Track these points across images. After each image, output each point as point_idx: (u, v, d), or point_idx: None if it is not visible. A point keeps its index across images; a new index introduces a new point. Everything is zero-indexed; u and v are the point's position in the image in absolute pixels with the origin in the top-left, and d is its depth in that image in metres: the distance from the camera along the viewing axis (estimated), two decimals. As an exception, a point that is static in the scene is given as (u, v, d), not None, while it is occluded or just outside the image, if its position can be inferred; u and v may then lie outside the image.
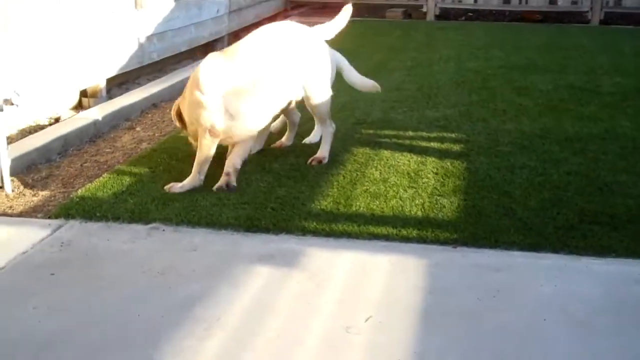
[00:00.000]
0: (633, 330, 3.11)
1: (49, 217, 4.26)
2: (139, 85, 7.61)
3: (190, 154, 5.17)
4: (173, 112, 4.89)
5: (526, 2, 13.08)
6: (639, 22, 12.41)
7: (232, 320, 3.15)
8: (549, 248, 3.82)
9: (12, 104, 4.73)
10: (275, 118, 5.15)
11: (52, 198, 4.61)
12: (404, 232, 3.99)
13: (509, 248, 3.83)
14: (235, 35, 10.87)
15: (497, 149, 5.35)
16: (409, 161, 5.08)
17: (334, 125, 5.15)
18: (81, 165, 5.24)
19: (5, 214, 4.36)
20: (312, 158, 5.03)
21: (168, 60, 8.56)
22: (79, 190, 4.60)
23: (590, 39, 10.84)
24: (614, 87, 7.44)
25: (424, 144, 5.50)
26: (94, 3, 6.69)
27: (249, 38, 4.94)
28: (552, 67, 8.50)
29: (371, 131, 5.70)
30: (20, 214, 4.36)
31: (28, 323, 3.13)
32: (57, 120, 6.25)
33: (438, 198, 4.44)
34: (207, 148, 4.61)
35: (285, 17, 12.95)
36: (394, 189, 4.58)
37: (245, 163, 4.79)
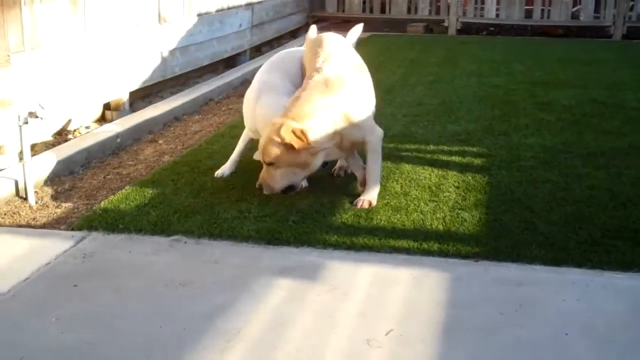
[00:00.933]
0: (657, 346, 3.08)
1: (72, 229, 4.29)
2: (162, 98, 7.66)
3: (212, 167, 5.20)
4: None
5: (548, 17, 13.05)
6: (662, 36, 12.36)
7: (253, 333, 3.15)
8: (571, 263, 3.79)
9: (37, 117, 4.77)
10: None
11: (75, 210, 4.64)
12: (425, 245, 3.99)
13: (531, 262, 3.81)
14: (257, 49, 10.94)
15: (519, 164, 5.34)
16: (430, 175, 5.08)
17: None
18: (104, 177, 5.28)
19: (29, 226, 4.40)
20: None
21: (190, 74, 8.62)
22: (102, 203, 4.63)
23: (612, 53, 10.80)
24: (637, 102, 7.40)
25: (445, 157, 5.49)
26: (118, 17, 6.76)
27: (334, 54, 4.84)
28: (574, 81, 8.47)
29: (392, 145, 5.70)
30: (43, 226, 4.40)
31: (50, 334, 3.14)
32: (80, 133, 6.30)
33: (459, 212, 4.43)
34: None
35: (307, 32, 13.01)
36: (415, 202, 4.58)
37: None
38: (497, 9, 13.20)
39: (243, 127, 6.29)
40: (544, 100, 7.48)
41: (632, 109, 7.11)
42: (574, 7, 13.09)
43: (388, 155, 5.34)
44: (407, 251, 3.95)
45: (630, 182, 4.94)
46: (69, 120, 6.34)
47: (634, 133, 6.18)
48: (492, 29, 13.47)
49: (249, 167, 5.20)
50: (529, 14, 13.14)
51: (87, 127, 6.56)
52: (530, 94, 7.75)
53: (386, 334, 3.13)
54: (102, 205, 4.57)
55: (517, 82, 8.45)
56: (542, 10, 13.07)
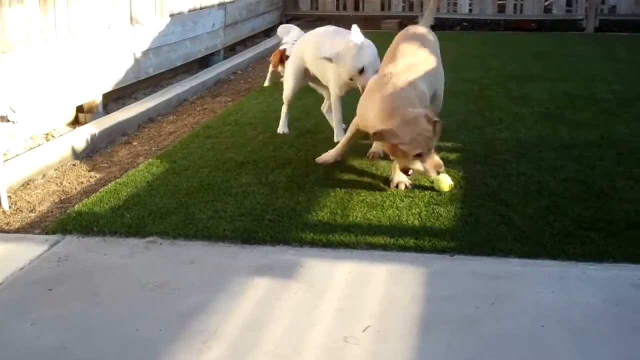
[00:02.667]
0: (632, 335, 3.10)
1: (46, 233, 4.25)
2: (136, 99, 7.62)
3: (187, 167, 5.18)
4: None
5: (521, 11, 13.10)
6: (634, 29, 12.43)
7: (230, 333, 3.14)
8: (546, 255, 3.81)
9: (8, 121, 4.73)
10: None
11: (49, 214, 4.60)
12: (401, 241, 3.99)
13: (506, 256, 3.82)
14: (231, 49, 10.91)
15: (493, 157, 5.36)
16: (405, 171, 5.08)
17: None
18: (78, 180, 5.24)
19: (2, 231, 4.36)
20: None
21: (164, 74, 8.58)
22: (76, 206, 4.60)
23: (585, 46, 10.88)
24: (610, 94, 7.45)
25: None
26: (89, 19, 6.71)
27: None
28: (548, 75, 8.51)
29: (367, 141, 5.69)
30: (17, 230, 4.36)
31: (26, 339, 3.11)
32: (53, 136, 6.25)
33: (435, 207, 4.44)
34: None
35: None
36: (391, 198, 4.58)
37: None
38: (470, 4, 13.24)
39: (217, 128, 6.30)
40: (518, 94, 7.52)
41: (604, 101, 7.16)
42: (546, 1, 13.16)
43: (364, 151, 5.34)
44: (384, 247, 3.95)
45: (603, 174, 4.97)
46: (42, 124, 6.28)
47: (607, 125, 6.23)
48: (465, 24, 13.51)
49: (222, 167, 5.19)
50: (502, 9, 13.19)
51: (60, 130, 6.50)
52: (504, 88, 7.79)
53: (363, 330, 3.13)
54: (76, 209, 4.53)
55: (491, 76, 8.48)
56: (515, 4, 13.11)
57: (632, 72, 8.74)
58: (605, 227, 4.12)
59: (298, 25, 12.80)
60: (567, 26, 12.79)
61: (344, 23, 13.87)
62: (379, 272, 3.66)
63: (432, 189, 4.73)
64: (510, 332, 3.12)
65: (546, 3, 13.15)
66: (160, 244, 4.05)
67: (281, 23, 13.31)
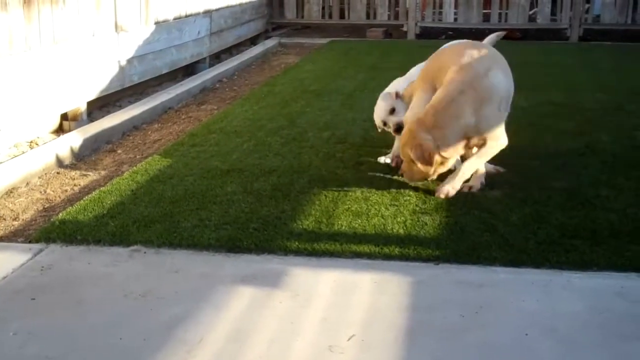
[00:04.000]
0: (617, 344, 3.11)
1: (30, 242, 4.22)
2: (120, 107, 7.60)
3: (172, 175, 5.17)
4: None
5: (506, 20, 13.18)
6: (618, 38, 12.53)
7: (215, 342, 3.13)
8: (530, 263, 3.83)
9: (-8, 129, 4.71)
10: None
11: (33, 222, 4.58)
12: (386, 250, 3.99)
13: (491, 264, 3.83)
14: (217, 57, 10.91)
15: (478, 166, 5.36)
16: (390, 179, 5.09)
17: None
18: (61, 188, 5.22)
19: (-15, 239, 4.33)
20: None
21: (149, 82, 8.56)
22: (60, 214, 4.57)
23: (569, 55, 10.94)
24: (594, 103, 7.50)
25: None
26: (74, 27, 6.69)
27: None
28: (532, 83, 8.53)
29: (352, 150, 5.70)
30: (0, 239, 4.33)
31: (8, 349, 3.09)
32: (37, 144, 6.22)
33: (420, 215, 4.45)
34: None
35: (266, 39, 13.01)
36: (376, 207, 4.58)
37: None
38: (455, 13, 13.32)
39: (202, 136, 6.29)
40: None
41: (588, 110, 7.20)
42: (531, 10, 13.24)
43: (349, 160, 5.34)
44: (369, 256, 3.95)
45: (587, 182, 5.00)
46: (26, 132, 6.26)
47: (591, 134, 6.26)
48: (450, 33, 13.56)
49: (207, 175, 5.18)
50: (486, 18, 13.26)
51: (44, 138, 6.47)
52: (488, 97, 7.79)
53: (348, 340, 3.12)
54: (60, 217, 4.51)
55: (475, 85, 8.49)
56: (500, 13, 13.20)
57: (616, 81, 8.80)
58: (590, 235, 4.14)
59: (284, 34, 12.85)
60: (552, 35, 12.88)
61: (330, 31, 13.97)
62: (364, 281, 3.66)
63: (417, 197, 4.73)
64: (495, 341, 3.13)
65: (531, 12, 13.23)
66: (145, 252, 4.03)
67: (267, 31, 13.38)
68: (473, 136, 4.62)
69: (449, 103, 4.53)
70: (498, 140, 4.74)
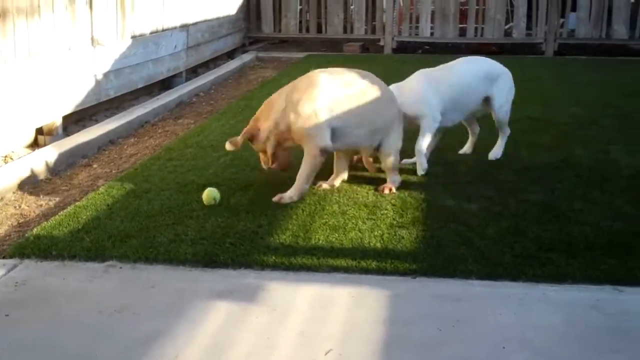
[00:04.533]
0: (593, 356, 3.13)
1: (4, 257, 4.17)
2: (96, 121, 7.55)
3: (148, 190, 5.14)
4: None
5: (482, 35, 13.27)
6: (592, 52, 12.66)
7: (191, 358, 3.10)
8: (507, 277, 3.84)
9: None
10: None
11: (7, 237, 4.53)
12: (363, 263, 3.99)
13: (467, 277, 3.84)
14: (193, 71, 10.89)
15: (454, 180, 5.40)
16: (367, 193, 5.10)
17: None
18: (37, 203, 5.17)
19: (-42, 255, 4.28)
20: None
21: (125, 96, 8.52)
22: (35, 229, 4.53)
23: (545, 69, 11.03)
24: (569, 117, 7.56)
25: (382, 175, 5.51)
26: (49, 40, 6.66)
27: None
28: (507, 98, 8.58)
29: (329, 164, 5.68)
30: (-27, 255, 4.28)
31: (-19, 366, 3.06)
32: (12, 158, 6.17)
33: (397, 229, 4.45)
34: None
35: (243, 53, 13.01)
36: (353, 221, 4.58)
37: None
38: (432, 28, 13.38)
39: (179, 150, 6.28)
40: (478, 116, 7.55)
41: (563, 124, 7.26)
42: (506, 24, 13.35)
43: (326, 175, 5.34)
44: (346, 270, 3.95)
45: (563, 196, 5.03)
46: (0, 146, 6.20)
47: (566, 148, 6.31)
48: (427, 47, 13.65)
49: (184, 190, 5.16)
50: (463, 32, 13.35)
51: (19, 153, 6.42)
52: (465, 111, 7.83)
53: (326, 354, 3.11)
54: (34, 232, 4.47)
55: (452, 99, 8.53)
56: (476, 28, 13.29)
57: (591, 95, 8.88)
58: (565, 248, 4.16)
59: (261, 48, 12.84)
60: (527, 50, 12.98)
61: (307, 45, 13.99)
62: (341, 295, 3.65)
63: (394, 210, 4.74)
64: (472, 354, 3.13)
65: (506, 27, 13.34)
66: (120, 268, 4.00)
67: (244, 45, 13.38)
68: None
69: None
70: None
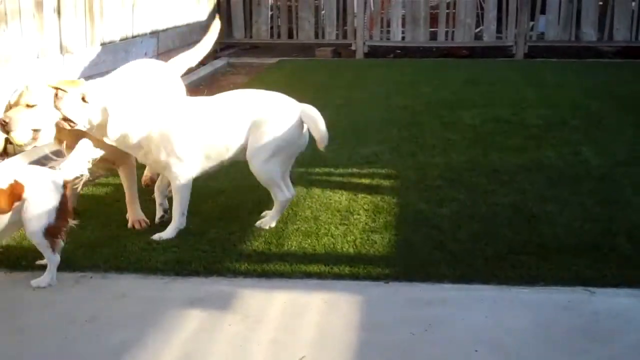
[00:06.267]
0: (564, 357, 3.15)
1: (-28, 269, 4.13)
2: (67, 130, 7.48)
3: (119, 199, 5.10)
4: None
5: (452, 38, 13.33)
6: (562, 54, 12.76)
7: (162, 367, 3.09)
8: (479, 279, 3.86)
9: None
10: None
11: (-24, 249, 4.48)
12: (336, 269, 3.99)
13: (440, 281, 3.85)
14: (165, 78, 10.82)
15: (426, 183, 5.41)
16: (340, 198, 5.10)
17: None
18: (6, 213, 5.11)
19: None
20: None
21: (96, 104, 8.44)
22: (4, 240, 4.47)
23: (515, 72, 11.10)
24: (539, 119, 7.61)
25: (355, 180, 5.53)
26: (17, 48, 6.59)
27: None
28: (478, 101, 8.65)
29: (302, 169, 5.68)
30: (-59, 267, 4.22)
31: (-51, 380, 3.02)
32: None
33: (370, 234, 4.45)
34: None
35: (215, 59, 12.96)
36: (326, 226, 4.58)
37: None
38: (403, 32, 13.42)
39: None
40: (449, 120, 7.62)
41: (534, 126, 7.30)
42: (477, 28, 13.43)
43: (298, 180, 5.33)
44: (319, 276, 3.94)
45: (533, 198, 5.06)
46: (-31, 156, 6.14)
47: (536, 150, 6.35)
48: (398, 51, 13.68)
49: (153, 198, 5.11)
50: (433, 36, 13.39)
51: (-12, 162, 6.36)
52: (436, 115, 7.88)
53: (299, 361, 3.11)
54: (4, 243, 4.39)
55: (423, 103, 8.58)
56: (447, 32, 13.34)
57: (560, 97, 8.95)
58: (536, 250, 4.19)
59: (233, 53, 12.76)
60: (498, 53, 13.05)
61: (279, 50, 13.97)
62: (314, 301, 3.65)
63: (367, 215, 4.74)
64: (445, 358, 3.15)
65: (477, 30, 13.41)
66: (91, 277, 3.96)
67: (215, 52, 13.32)
68: None
69: None
70: None
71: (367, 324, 3.43)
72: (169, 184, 4.66)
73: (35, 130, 4.32)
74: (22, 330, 3.40)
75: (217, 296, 3.72)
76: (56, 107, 4.19)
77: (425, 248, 4.24)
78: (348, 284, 3.85)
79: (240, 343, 3.27)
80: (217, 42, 13.50)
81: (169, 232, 4.47)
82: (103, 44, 8.43)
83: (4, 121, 4.28)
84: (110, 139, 4.29)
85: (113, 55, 8.69)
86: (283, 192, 4.59)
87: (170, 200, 4.65)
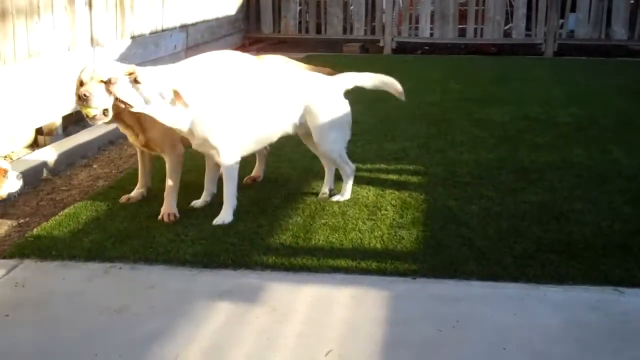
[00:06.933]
0: (592, 357, 3.13)
1: (4, 257, 4.17)
2: (96, 122, 7.54)
3: (149, 189, 5.13)
4: None
5: (481, 35, 13.26)
6: (591, 53, 12.65)
7: (191, 358, 3.11)
8: (507, 277, 3.84)
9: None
10: None
11: (7, 237, 4.53)
12: (363, 264, 3.98)
13: (468, 278, 3.84)
14: (193, 71, 10.86)
15: (454, 180, 5.40)
16: (367, 194, 5.09)
17: None
18: (37, 203, 5.17)
19: (-42, 255, 4.28)
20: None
21: (125, 97, 8.50)
22: (35, 229, 4.53)
23: (544, 70, 11.03)
24: (569, 117, 7.56)
25: (382, 176, 5.52)
26: (49, 41, 6.65)
27: None
28: (507, 98, 8.61)
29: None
30: (-27, 255, 4.28)
31: (-19, 366, 3.06)
32: (12, 158, 6.17)
33: (397, 230, 4.45)
34: None
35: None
36: (353, 221, 4.58)
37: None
38: (431, 28, 13.38)
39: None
40: (478, 117, 7.59)
41: (563, 124, 7.26)
42: (506, 25, 13.34)
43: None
44: (346, 270, 3.94)
45: (562, 196, 5.03)
46: (0, 146, 6.20)
47: (566, 148, 6.31)
48: (426, 47, 13.64)
49: (183, 190, 5.14)
50: (462, 33, 13.34)
51: (19, 153, 6.42)
52: (465, 111, 7.86)
53: (326, 355, 3.11)
54: (34, 232, 4.47)
55: (452, 99, 8.56)
56: (475, 28, 13.28)
57: (590, 95, 8.88)
58: (565, 249, 4.16)
59: (261, 48, 12.80)
60: (527, 50, 12.97)
61: (306, 46, 13.98)
62: (341, 296, 3.65)
63: (394, 211, 4.74)
64: (472, 355, 3.13)
65: (506, 27, 13.33)
66: (120, 268, 4.00)
67: (243, 46, 13.36)
68: None
69: None
70: None
71: (394, 319, 3.43)
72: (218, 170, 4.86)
73: (105, 108, 4.40)
74: (52, 320, 3.44)
75: (245, 289, 3.74)
76: (109, 91, 4.28)
77: (453, 245, 4.23)
78: (375, 279, 3.85)
79: (267, 336, 3.28)
80: (246, 37, 13.63)
81: (227, 215, 4.60)
82: (133, 37, 8.48)
83: (85, 95, 4.35)
84: (165, 121, 4.44)
85: (143, 48, 8.75)
86: (350, 166, 4.97)
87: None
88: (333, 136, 4.85)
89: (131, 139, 4.86)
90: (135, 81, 4.26)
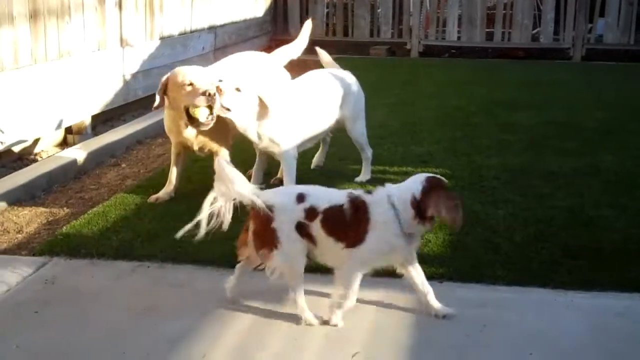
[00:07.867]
0: (619, 364, 3.12)
1: (33, 255, 4.23)
2: (124, 121, 7.62)
3: (175, 190, 5.16)
4: None
5: (509, 39, 13.20)
6: (620, 58, 12.54)
7: (218, 358, 3.13)
8: (534, 283, 3.82)
9: (-3, 142, 4.72)
10: None
11: (37, 235, 4.58)
12: (389, 267, 3.98)
13: (494, 283, 3.83)
14: (221, 73, 10.91)
15: (481, 184, 5.38)
16: (394, 197, 5.08)
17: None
18: (66, 202, 5.23)
19: (-11, 252, 4.33)
20: None
21: (153, 97, 8.54)
22: (64, 227, 4.58)
23: (572, 75, 10.97)
24: (596, 122, 7.51)
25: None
26: (79, 41, 6.72)
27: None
28: (534, 103, 8.57)
29: (356, 167, 5.70)
30: (4, 252, 4.33)
31: (11, 362, 3.10)
32: (42, 157, 6.24)
33: (424, 233, 4.44)
34: None
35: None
36: (380, 224, 4.57)
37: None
38: (459, 32, 13.33)
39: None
40: (505, 121, 7.56)
41: (590, 129, 7.21)
42: (534, 29, 13.27)
43: (352, 177, 5.34)
44: (373, 273, 3.93)
45: (590, 202, 5.00)
46: (30, 145, 6.28)
47: (593, 153, 6.27)
48: (453, 51, 13.60)
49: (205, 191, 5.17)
50: (489, 37, 13.28)
51: (48, 151, 6.49)
52: (491, 116, 7.83)
53: (352, 357, 3.13)
54: (64, 230, 4.52)
55: (478, 103, 8.53)
56: (503, 32, 13.22)
57: (618, 101, 8.82)
58: (592, 255, 4.14)
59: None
60: (554, 55, 12.90)
61: (333, 48, 13.94)
62: (367, 299, 3.65)
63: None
64: (499, 359, 3.12)
65: (534, 31, 13.26)
66: (148, 267, 4.03)
67: (270, 48, 13.38)
68: None
69: None
70: None
71: (421, 323, 3.43)
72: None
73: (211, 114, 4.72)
74: (81, 317, 3.48)
75: (272, 290, 3.74)
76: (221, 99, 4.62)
77: (479, 249, 4.22)
78: (402, 283, 3.83)
79: (294, 337, 3.30)
80: (273, 39, 13.66)
81: None
82: (162, 38, 8.54)
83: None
84: (240, 124, 4.78)
85: (171, 49, 8.81)
86: (370, 149, 5.60)
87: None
88: (362, 123, 5.48)
89: (188, 142, 5.01)
90: (237, 89, 4.60)
